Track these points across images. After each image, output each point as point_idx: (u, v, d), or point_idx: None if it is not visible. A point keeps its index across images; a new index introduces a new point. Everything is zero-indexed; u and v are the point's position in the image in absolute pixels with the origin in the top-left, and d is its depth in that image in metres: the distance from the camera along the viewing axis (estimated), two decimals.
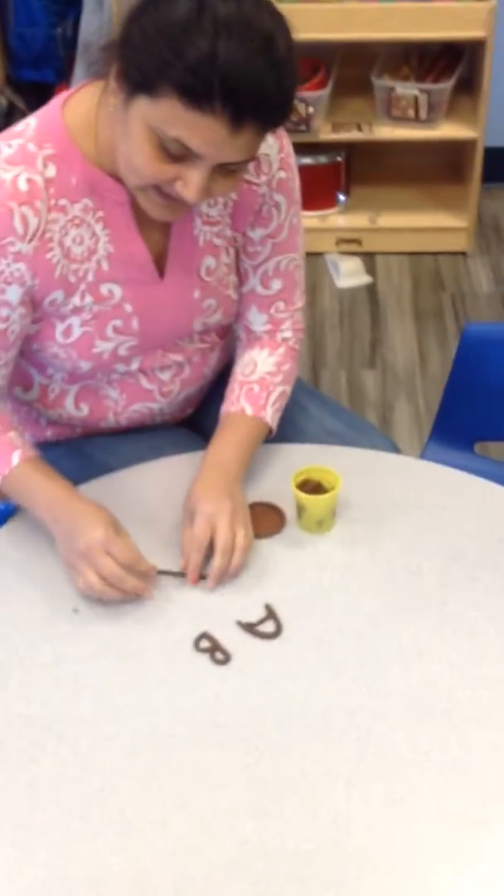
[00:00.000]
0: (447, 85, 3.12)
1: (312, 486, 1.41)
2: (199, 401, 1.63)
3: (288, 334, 1.54)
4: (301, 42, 1.18)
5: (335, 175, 3.39)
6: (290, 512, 1.43)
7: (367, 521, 1.43)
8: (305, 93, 3.10)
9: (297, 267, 1.51)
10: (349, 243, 3.38)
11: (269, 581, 1.35)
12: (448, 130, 3.22)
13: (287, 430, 1.56)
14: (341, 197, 3.43)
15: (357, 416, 1.70)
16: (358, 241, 3.38)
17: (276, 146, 1.39)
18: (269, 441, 1.53)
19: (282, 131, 1.39)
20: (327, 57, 3.20)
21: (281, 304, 1.52)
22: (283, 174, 1.41)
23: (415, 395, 2.76)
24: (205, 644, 1.26)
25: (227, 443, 1.43)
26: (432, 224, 3.37)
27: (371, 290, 3.21)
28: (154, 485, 1.49)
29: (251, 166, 1.34)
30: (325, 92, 3.13)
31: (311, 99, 3.13)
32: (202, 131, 1.11)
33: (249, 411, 1.46)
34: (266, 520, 1.43)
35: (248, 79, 1.09)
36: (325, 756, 1.14)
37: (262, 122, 1.15)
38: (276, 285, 1.50)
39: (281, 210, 1.44)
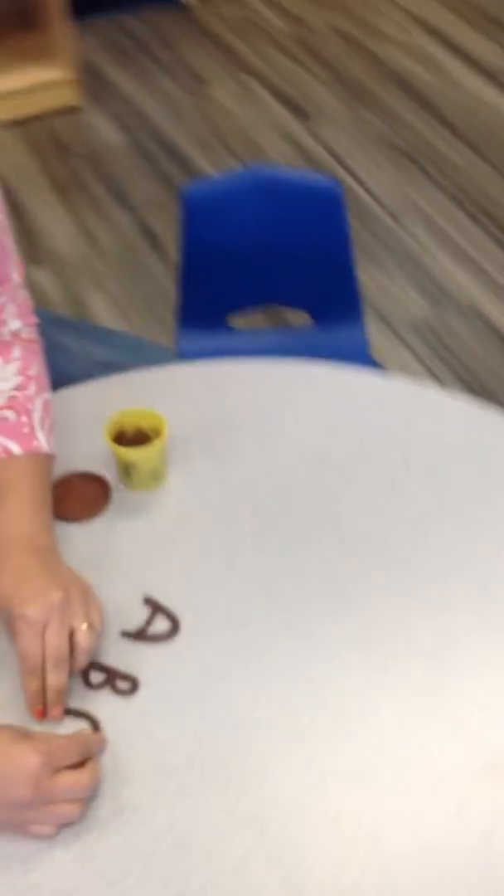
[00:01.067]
0: None
1: (132, 436, 1.14)
2: None
3: (15, 324, 1.15)
4: None
5: None
6: (110, 474, 1.16)
7: (201, 452, 1.20)
8: None
9: (3, 230, 1.12)
10: None
11: (132, 568, 1.08)
12: None
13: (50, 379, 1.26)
14: None
15: (125, 334, 1.41)
16: None
17: None
18: None
19: None
20: None
21: None
22: None
23: (100, 280, 2.46)
24: (97, 677, 0.99)
25: (14, 505, 1.03)
26: (28, 83, 2.98)
27: None
28: None
29: None
30: None
31: None
32: None
33: (17, 449, 1.06)
34: (89, 494, 1.15)
35: None
36: (318, 768, 0.93)
37: None
38: None
39: None
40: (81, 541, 1.10)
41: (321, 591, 1.05)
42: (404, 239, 2.63)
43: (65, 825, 0.87)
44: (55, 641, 0.93)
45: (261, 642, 1.01)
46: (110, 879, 0.84)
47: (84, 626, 0.95)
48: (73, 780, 0.86)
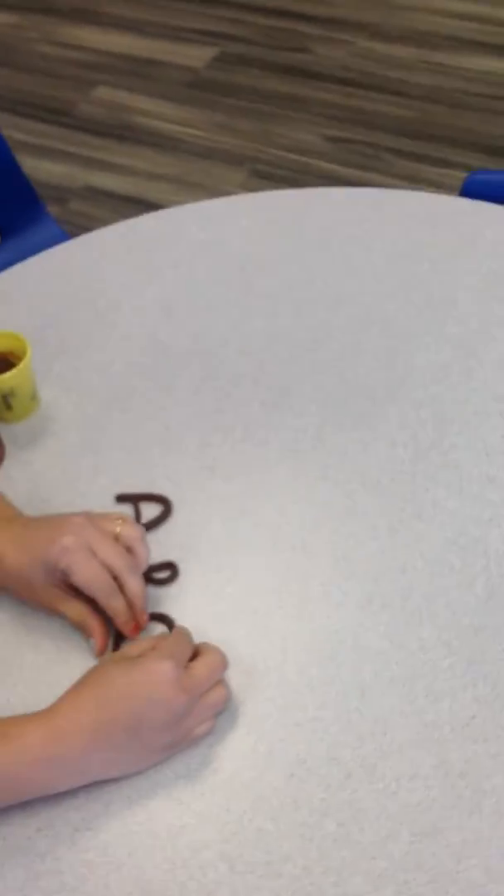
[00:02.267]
0: None
1: None
2: None
3: None
4: None
5: None
6: None
7: (47, 357, 1.11)
8: None
9: None
10: None
11: (81, 483, 0.99)
12: None
13: None
14: None
15: None
16: None
17: None
18: None
19: None
20: None
21: None
22: None
23: None
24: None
25: None
26: None
27: None
28: None
29: None
30: None
31: None
32: None
33: None
34: None
35: None
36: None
37: None
38: None
39: None
40: (10, 493, 0.98)
41: (258, 421, 1.04)
42: None
43: (221, 712, 0.81)
44: (112, 551, 0.83)
45: (252, 476, 0.98)
46: (298, 719, 0.81)
47: (118, 527, 0.86)
48: (208, 665, 0.80)
